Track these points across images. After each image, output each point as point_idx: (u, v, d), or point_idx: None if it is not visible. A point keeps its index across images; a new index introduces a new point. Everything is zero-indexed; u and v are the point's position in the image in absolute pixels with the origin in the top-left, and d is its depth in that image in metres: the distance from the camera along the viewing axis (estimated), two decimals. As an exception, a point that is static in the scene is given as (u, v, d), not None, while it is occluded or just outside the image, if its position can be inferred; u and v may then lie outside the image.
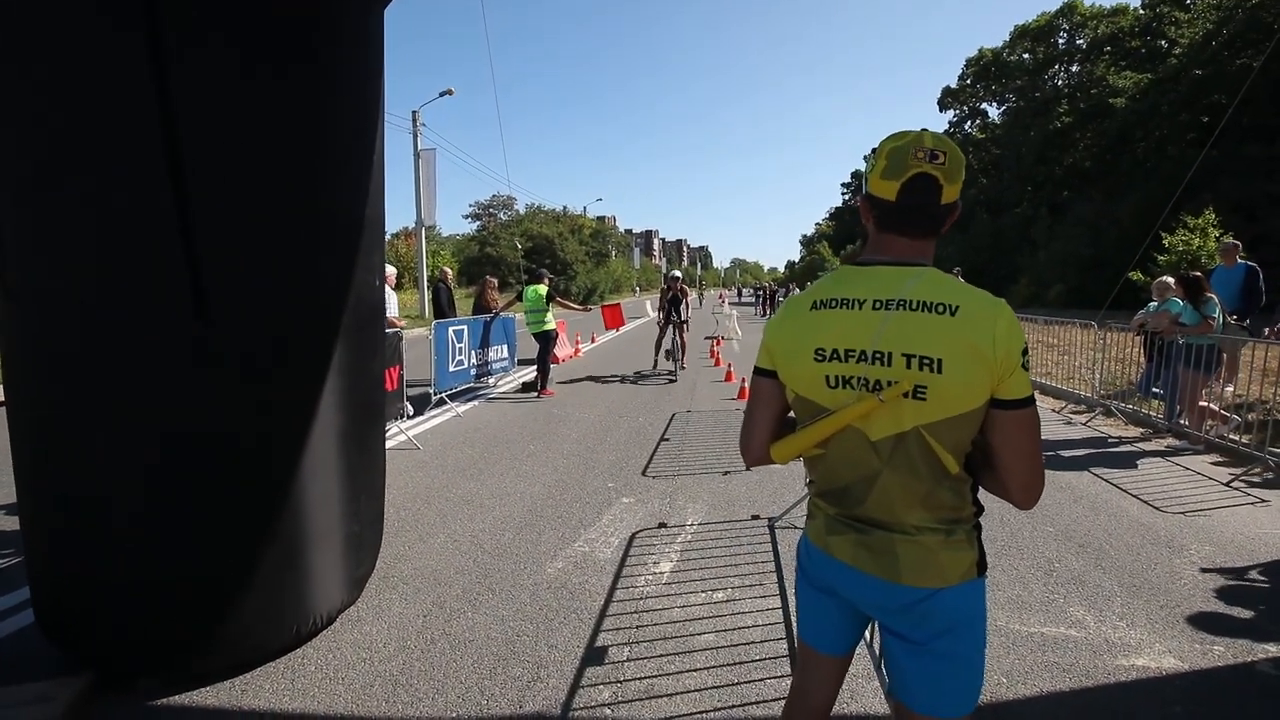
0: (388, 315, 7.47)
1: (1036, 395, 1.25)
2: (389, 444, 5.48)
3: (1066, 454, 5.67)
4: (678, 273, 11.48)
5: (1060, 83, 36.46)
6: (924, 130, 1.21)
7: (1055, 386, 8.53)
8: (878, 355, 1.16)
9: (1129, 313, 7.17)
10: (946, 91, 42.73)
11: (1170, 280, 6.62)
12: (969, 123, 43.04)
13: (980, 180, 38.30)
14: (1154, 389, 6.56)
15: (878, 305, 1.18)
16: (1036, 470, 1.19)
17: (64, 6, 2.12)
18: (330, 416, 2.67)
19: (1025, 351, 1.14)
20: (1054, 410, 7.56)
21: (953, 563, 1.22)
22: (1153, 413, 6.65)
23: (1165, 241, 17.98)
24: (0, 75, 2.19)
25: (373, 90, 2.85)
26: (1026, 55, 37.79)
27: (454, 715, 2.27)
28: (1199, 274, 6.22)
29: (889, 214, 1.22)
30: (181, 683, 2.42)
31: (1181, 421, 6.11)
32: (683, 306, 10.91)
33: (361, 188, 2.77)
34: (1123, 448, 5.93)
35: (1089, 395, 7.68)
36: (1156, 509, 4.24)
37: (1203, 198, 18.64)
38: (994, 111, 41.74)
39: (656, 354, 11.10)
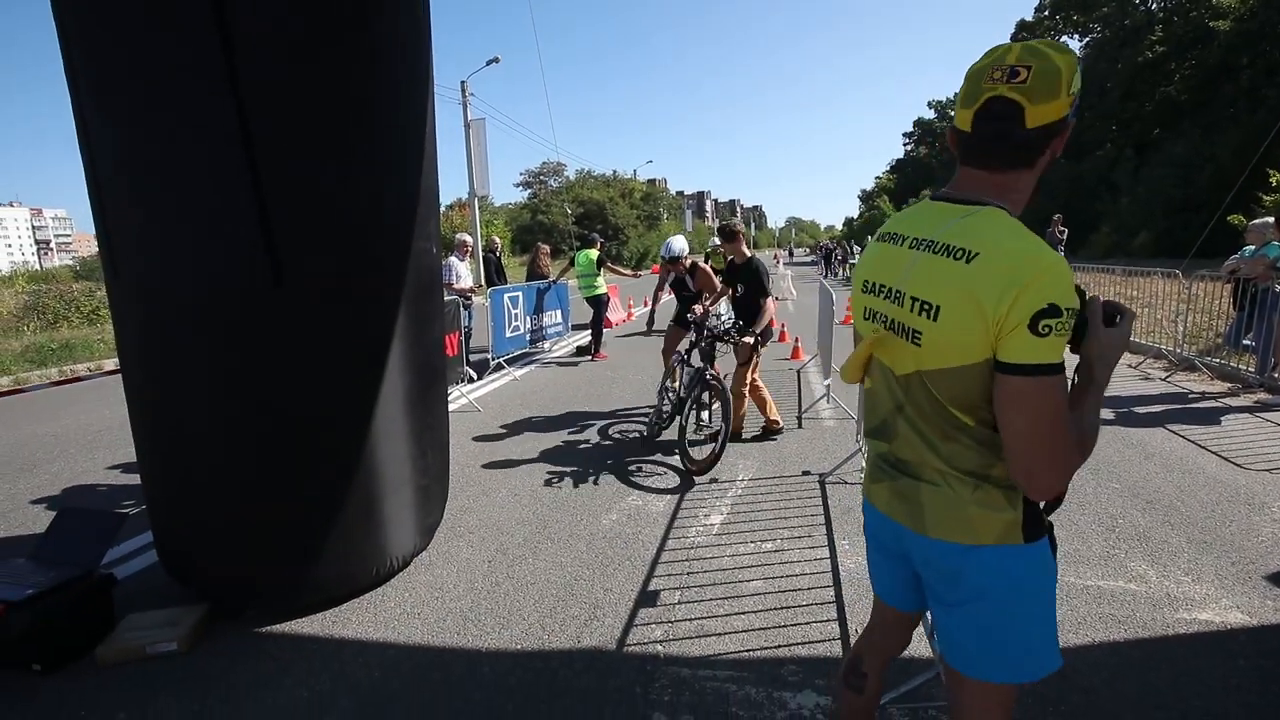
0: (463, 284, 7.74)
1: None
2: (452, 407, 5.77)
3: (1141, 410, 5.39)
4: (679, 241, 5.87)
5: (1154, 7, 32.97)
6: (1016, 43, 1.09)
7: (1133, 340, 8.04)
8: (898, 294, 1.17)
9: (1223, 260, 6.59)
10: (1021, 25, 39.33)
11: (1271, 221, 6.07)
12: (1047, 59, 39.68)
13: (1058, 122, 35.44)
14: (1244, 341, 6.11)
15: (914, 244, 1.16)
16: (1038, 455, 1.02)
17: (140, 25, 2.30)
18: (397, 379, 2.86)
19: (1045, 315, 0.97)
20: (1130, 365, 7.15)
21: (984, 520, 1.13)
22: (1243, 366, 6.21)
23: (1274, 180, 16.27)
24: (112, 107, 2.41)
25: (423, 61, 2.95)
26: (1115, -22, 34.24)
27: (518, 648, 2.48)
28: (1302, 213, 5.68)
29: (965, 146, 1.14)
30: (282, 614, 2.72)
31: (1275, 375, 5.69)
32: (711, 305, 5.05)
33: (416, 159, 2.90)
34: (1206, 403, 5.58)
35: (1172, 349, 7.21)
36: (1238, 466, 4.02)
37: (1320, 128, 16.62)
38: (1075, 44, 38.25)
39: (657, 415, 5.02)
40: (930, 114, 60.12)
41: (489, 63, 23.89)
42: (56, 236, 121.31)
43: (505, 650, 2.47)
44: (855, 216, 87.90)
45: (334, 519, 2.71)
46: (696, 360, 4.66)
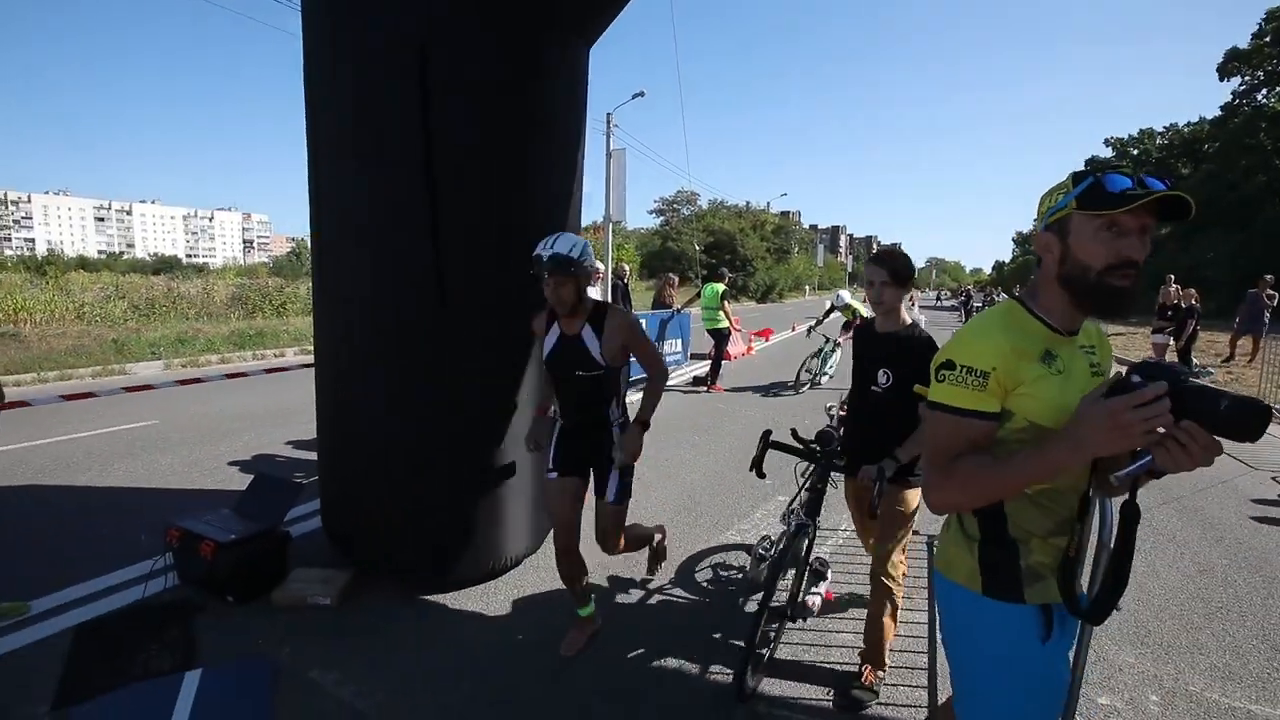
0: None
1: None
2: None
3: (1346, 515, 4.56)
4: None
5: None
6: None
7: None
8: None
9: None
10: (1232, 55, 34.49)
11: None
12: (1262, 91, 34.35)
13: (1275, 163, 30.49)
14: None
15: None
16: (925, 469, 1.30)
17: (353, 79, 2.83)
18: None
19: (944, 367, 1.23)
20: (1341, 460, 6.02)
21: (957, 558, 1.34)
22: None
23: None
24: (333, 150, 3.00)
25: (578, 119, 3.33)
26: (1361, 0, 29.05)
27: (612, 658, 2.66)
28: None
29: None
30: (412, 588, 3.12)
31: None
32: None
33: (563, 206, 3.26)
34: None
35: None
36: None
37: None
38: (1304, 74, 32.71)
39: (756, 563, 3.40)
40: (1108, 152, 53.96)
41: (634, 96, 25.10)
42: (258, 237, 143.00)
43: (600, 658, 2.66)
44: (1007, 260, 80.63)
45: (468, 513, 3.06)
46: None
